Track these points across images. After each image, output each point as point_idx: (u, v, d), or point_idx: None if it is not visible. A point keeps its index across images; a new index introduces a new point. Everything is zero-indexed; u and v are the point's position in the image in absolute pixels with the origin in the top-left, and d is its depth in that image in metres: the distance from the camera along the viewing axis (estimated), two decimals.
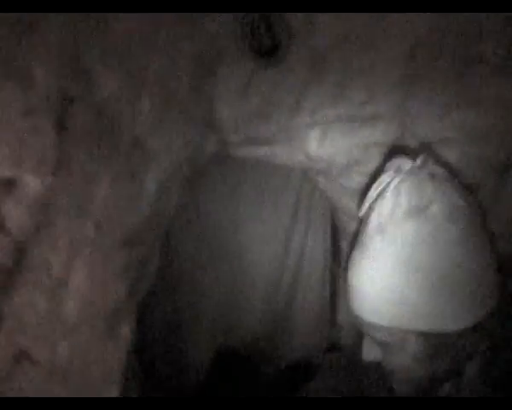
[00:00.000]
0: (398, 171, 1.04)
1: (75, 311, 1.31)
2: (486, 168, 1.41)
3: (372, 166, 1.50)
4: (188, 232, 1.99)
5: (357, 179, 1.58)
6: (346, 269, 1.08)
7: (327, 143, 1.47)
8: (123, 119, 1.26)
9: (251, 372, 2.13)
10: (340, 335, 2.19)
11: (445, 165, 1.11)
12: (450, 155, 1.38)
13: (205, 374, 2.04)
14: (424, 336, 0.98)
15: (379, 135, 1.46)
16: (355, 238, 1.10)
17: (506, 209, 1.47)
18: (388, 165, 1.08)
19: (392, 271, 0.96)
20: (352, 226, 1.74)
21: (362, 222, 1.08)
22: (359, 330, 1.20)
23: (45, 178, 1.24)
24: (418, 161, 1.04)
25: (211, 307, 2.08)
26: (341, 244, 2.06)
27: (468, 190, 1.05)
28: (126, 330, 1.38)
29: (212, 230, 2.05)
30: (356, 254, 1.05)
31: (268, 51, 1.31)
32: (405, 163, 1.04)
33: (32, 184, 1.17)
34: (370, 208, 1.05)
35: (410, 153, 1.16)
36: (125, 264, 1.32)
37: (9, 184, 1.10)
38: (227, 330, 2.13)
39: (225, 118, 1.40)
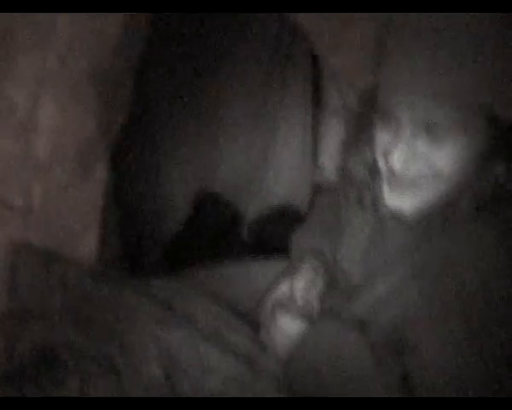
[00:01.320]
0: None
1: (45, 151, 1.27)
2: None
3: None
4: (162, 68, 1.90)
5: None
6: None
7: None
8: None
9: (234, 221, 2.13)
10: (324, 177, 2.18)
11: None
12: None
13: (184, 220, 2.03)
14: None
15: None
16: None
17: None
18: None
19: None
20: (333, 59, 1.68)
21: None
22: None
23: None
24: None
25: (188, 152, 2.04)
26: (325, 84, 2.00)
27: None
28: (101, 170, 1.34)
29: (187, 76, 1.96)
30: None
31: None
32: None
33: None
34: None
35: None
36: (95, 98, 1.26)
37: None
38: (205, 177, 2.11)
39: None
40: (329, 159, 2.14)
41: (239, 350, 0.93)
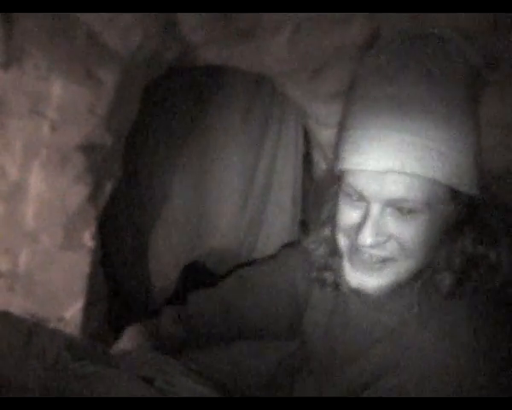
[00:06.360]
0: None
1: (34, 217, 1.27)
2: None
3: (345, 69, 1.44)
4: (152, 138, 1.90)
5: (329, 83, 1.51)
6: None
7: (297, 43, 1.40)
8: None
9: None
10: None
11: None
12: None
13: (172, 288, 2.01)
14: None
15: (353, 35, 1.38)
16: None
17: None
18: None
19: None
20: (323, 134, 1.70)
21: None
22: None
23: None
24: None
25: (178, 220, 2.01)
26: (313, 154, 2.01)
27: None
28: (89, 238, 1.34)
29: (178, 138, 1.95)
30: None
31: None
32: None
33: None
34: None
35: None
36: (85, 167, 1.27)
37: None
38: (194, 244, 2.08)
39: (187, 15, 1.31)
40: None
41: None
